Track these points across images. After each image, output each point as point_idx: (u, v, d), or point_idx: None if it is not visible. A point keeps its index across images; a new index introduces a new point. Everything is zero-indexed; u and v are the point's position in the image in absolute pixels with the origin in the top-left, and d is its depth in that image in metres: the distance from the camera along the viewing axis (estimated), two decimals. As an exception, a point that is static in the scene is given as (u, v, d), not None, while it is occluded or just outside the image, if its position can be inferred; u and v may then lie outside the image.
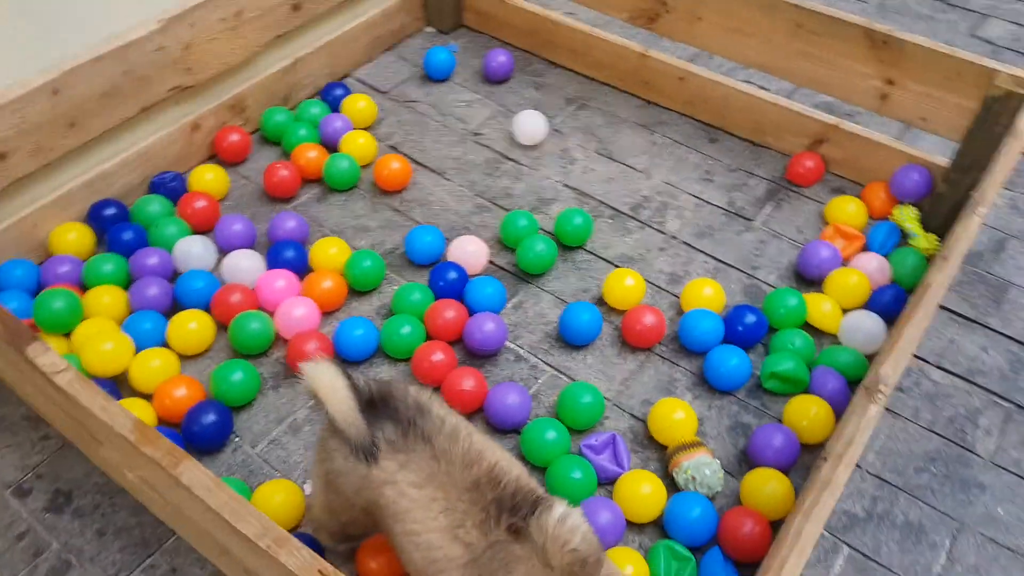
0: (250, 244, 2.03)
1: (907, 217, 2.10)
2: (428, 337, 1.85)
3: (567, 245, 2.09)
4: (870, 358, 1.82)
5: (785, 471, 1.62)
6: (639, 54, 2.45)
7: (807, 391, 1.76)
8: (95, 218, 2.01)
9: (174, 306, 1.88)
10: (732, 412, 1.77)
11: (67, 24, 1.85)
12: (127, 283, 1.91)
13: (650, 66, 2.45)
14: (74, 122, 1.92)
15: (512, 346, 1.89)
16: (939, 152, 2.17)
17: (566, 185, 2.27)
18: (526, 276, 2.04)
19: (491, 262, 2.06)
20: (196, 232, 2.05)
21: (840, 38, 2.05)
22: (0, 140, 1.79)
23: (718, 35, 2.24)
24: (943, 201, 2.05)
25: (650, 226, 2.16)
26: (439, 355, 1.76)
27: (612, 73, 2.54)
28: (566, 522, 1.15)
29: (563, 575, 1.11)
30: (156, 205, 2.05)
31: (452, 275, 1.93)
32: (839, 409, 1.70)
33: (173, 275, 1.96)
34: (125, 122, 2.04)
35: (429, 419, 1.24)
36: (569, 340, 1.88)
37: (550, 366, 1.85)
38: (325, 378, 1.24)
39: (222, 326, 1.86)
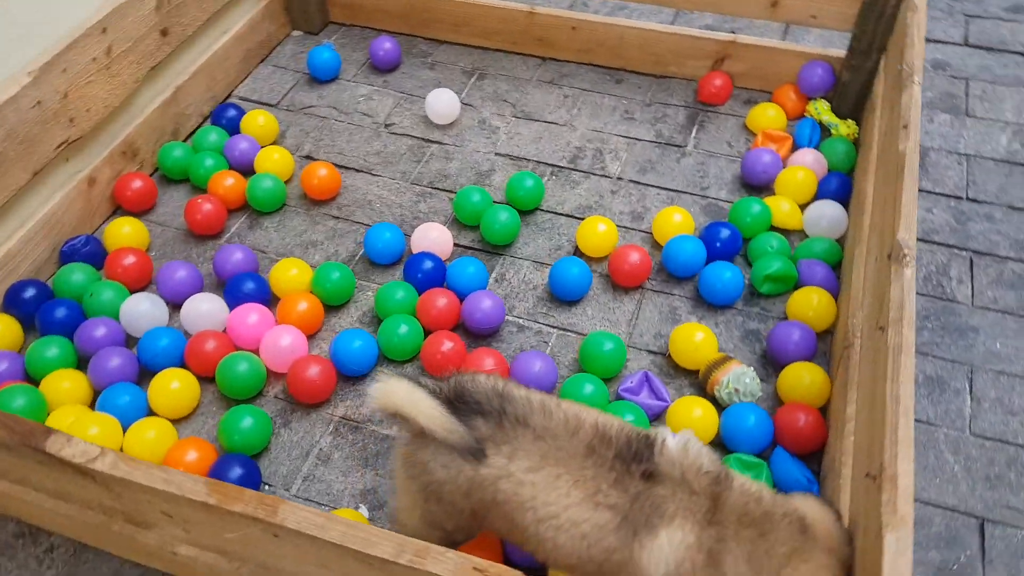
0: (199, 288, 1.85)
1: (821, 110, 2.24)
2: (427, 331, 1.77)
3: (524, 210, 2.06)
4: (839, 241, 1.93)
5: (809, 360, 1.69)
6: (526, 13, 2.45)
7: (798, 285, 1.85)
8: (15, 303, 1.75)
9: (142, 372, 1.68)
10: (738, 323, 1.82)
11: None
12: (77, 363, 1.69)
13: (540, 22, 2.45)
14: (-37, 202, 1.66)
15: (511, 318, 1.84)
16: (832, 45, 2.32)
17: (498, 154, 2.24)
18: (496, 249, 1.99)
19: (456, 244, 1.99)
20: (133, 291, 1.84)
21: (723, -44, 2.14)
22: None
23: (604, -23, 2.28)
24: (849, 88, 2.20)
25: (593, 173, 2.17)
26: (448, 344, 1.69)
27: (503, 38, 2.52)
28: (689, 450, 1.15)
29: (706, 496, 1.11)
30: (79, 274, 1.82)
31: (428, 264, 1.85)
32: (834, 293, 1.80)
33: (127, 341, 1.75)
34: (18, 192, 1.79)
35: (515, 403, 1.18)
36: (564, 297, 1.86)
37: (555, 327, 1.82)
38: (402, 393, 1.15)
39: (205, 379, 1.69)
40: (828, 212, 1.94)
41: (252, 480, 1.50)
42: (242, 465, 1.49)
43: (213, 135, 2.18)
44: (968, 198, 2.09)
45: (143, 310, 1.74)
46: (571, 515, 1.13)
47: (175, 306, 1.83)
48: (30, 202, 1.85)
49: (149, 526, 1.23)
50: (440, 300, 1.77)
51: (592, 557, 1.14)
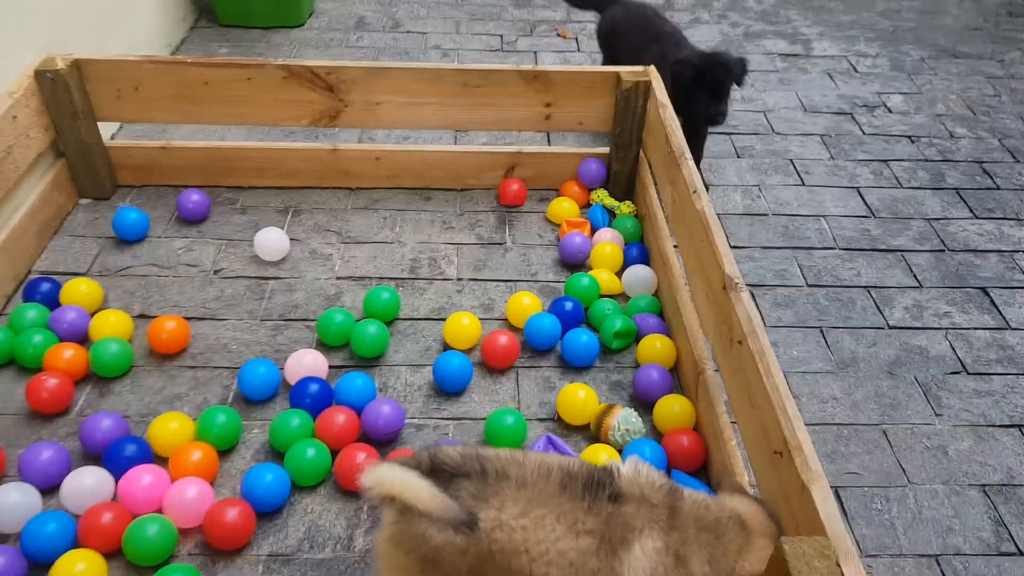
0: (68, 466, 1.69)
1: (603, 197, 2.65)
2: (332, 452, 1.78)
3: (385, 321, 2.16)
4: (655, 295, 2.29)
5: (672, 393, 1.98)
6: (330, 151, 2.62)
7: (638, 337, 2.15)
8: None
9: (32, 567, 1.50)
10: (603, 378, 2.07)
11: None
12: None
13: (343, 157, 2.63)
14: None
15: (408, 420, 1.92)
16: (597, 145, 2.77)
17: (339, 278, 2.34)
18: (370, 362, 2.07)
19: (331, 366, 2.04)
20: (-11, 487, 1.63)
21: (499, 83, 2.50)
22: None
23: (399, 111, 2.52)
24: (620, 176, 2.64)
25: (435, 279, 2.35)
26: (362, 455, 1.73)
27: (308, 175, 2.65)
28: (640, 470, 1.35)
29: (664, 506, 1.31)
30: (-87, 483, 1.58)
31: (315, 387, 1.88)
32: (666, 335, 2.13)
33: (3, 539, 1.54)
34: None
35: (491, 460, 1.30)
36: (450, 390, 1.98)
37: (450, 419, 1.93)
38: (396, 477, 1.22)
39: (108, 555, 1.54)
40: (641, 274, 2.30)
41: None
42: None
43: (32, 312, 2.03)
44: (731, 246, 2.59)
45: (14, 501, 1.57)
46: (559, 547, 1.26)
47: (45, 491, 1.65)
48: None
49: None
50: (339, 417, 1.81)
51: None
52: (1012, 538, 1.79)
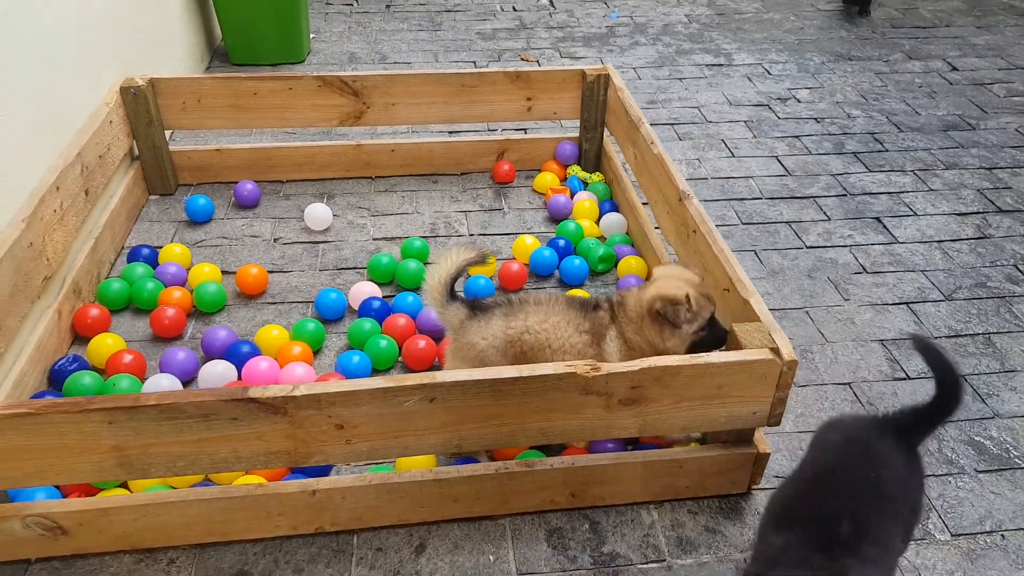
0: (197, 365, 2.21)
1: (576, 171, 3.29)
2: (398, 346, 2.33)
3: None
4: (627, 234, 2.91)
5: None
6: (355, 146, 3.21)
7: (616, 262, 2.76)
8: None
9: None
10: (592, 292, 2.66)
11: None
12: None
13: (366, 151, 3.23)
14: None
15: (448, 326, 2.49)
16: (569, 131, 3.42)
17: (375, 239, 2.91)
18: (411, 290, 2.63)
19: (384, 296, 2.60)
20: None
21: (490, 83, 3.14)
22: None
23: (410, 111, 3.13)
24: (589, 153, 3.29)
25: (452, 236, 2.94)
26: (422, 342, 2.28)
27: (338, 168, 3.24)
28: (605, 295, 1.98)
29: (610, 310, 1.96)
30: (87, 378, 2.08)
31: (377, 303, 2.44)
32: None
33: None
34: (22, 319, 2.06)
35: (512, 296, 1.97)
36: (476, 305, 2.56)
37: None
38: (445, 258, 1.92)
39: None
40: (614, 219, 2.93)
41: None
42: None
43: (140, 269, 2.56)
44: (681, 203, 3.24)
45: (165, 385, 2.08)
46: (571, 341, 1.90)
47: (184, 383, 2.17)
48: (24, 330, 2.11)
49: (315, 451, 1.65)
50: (400, 320, 2.37)
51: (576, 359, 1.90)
52: (903, 369, 2.42)
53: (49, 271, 2.21)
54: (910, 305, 2.69)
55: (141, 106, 2.87)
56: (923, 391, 2.34)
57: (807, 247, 2.97)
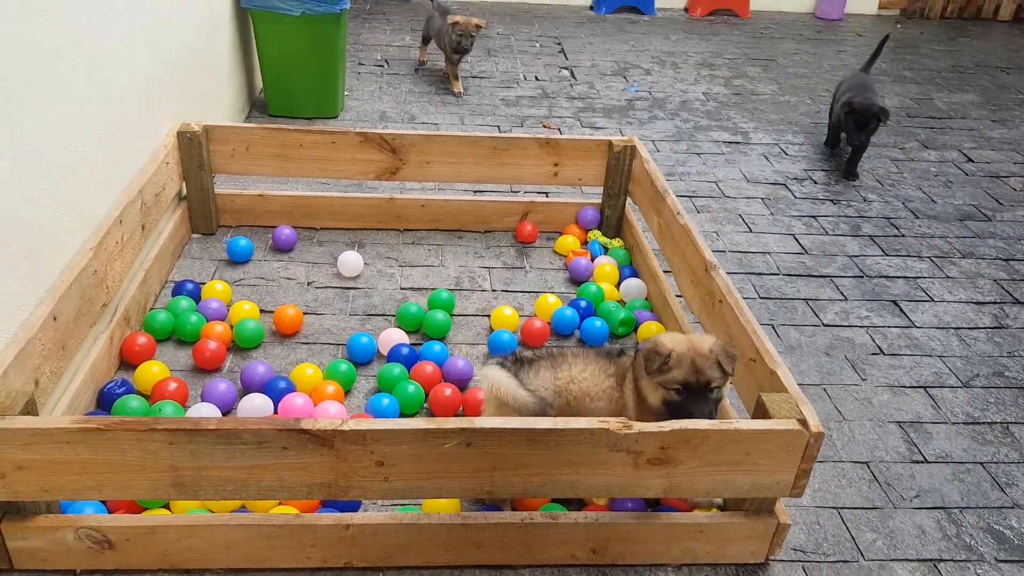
0: (236, 397, 2.30)
1: (597, 236, 3.42)
2: (424, 392, 2.42)
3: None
4: (647, 299, 3.02)
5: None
6: (387, 199, 3.36)
7: (636, 326, 2.87)
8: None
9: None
10: (613, 352, 2.76)
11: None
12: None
13: (398, 204, 3.37)
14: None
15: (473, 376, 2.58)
16: (592, 197, 3.56)
17: (403, 288, 3.02)
18: (437, 339, 2.73)
19: (411, 344, 2.70)
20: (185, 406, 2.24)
21: (520, 148, 3.29)
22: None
23: (443, 169, 3.29)
24: (611, 219, 3.43)
25: (476, 290, 3.06)
26: (448, 390, 2.37)
27: (370, 219, 3.37)
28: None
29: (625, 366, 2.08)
30: (135, 402, 2.17)
31: (406, 349, 2.53)
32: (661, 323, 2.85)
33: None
34: (81, 341, 2.16)
35: (553, 349, 2.08)
36: (502, 358, 2.65)
37: (505, 376, 2.60)
38: (498, 377, 1.97)
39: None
40: (635, 284, 3.05)
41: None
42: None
43: (184, 302, 2.66)
44: (699, 272, 3.36)
45: (206, 414, 2.17)
46: (602, 386, 2.03)
47: (223, 412, 2.26)
48: (79, 352, 2.20)
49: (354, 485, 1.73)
50: (427, 368, 2.46)
51: (611, 407, 2.01)
52: (920, 452, 2.50)
53: (107, 298, 2.32)
54: (927, 389, 2.78)
55: (195, 150, 3.02)
56: (941, 475, 2.41)
57: (824, 325, 3.08)
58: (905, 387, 2.78)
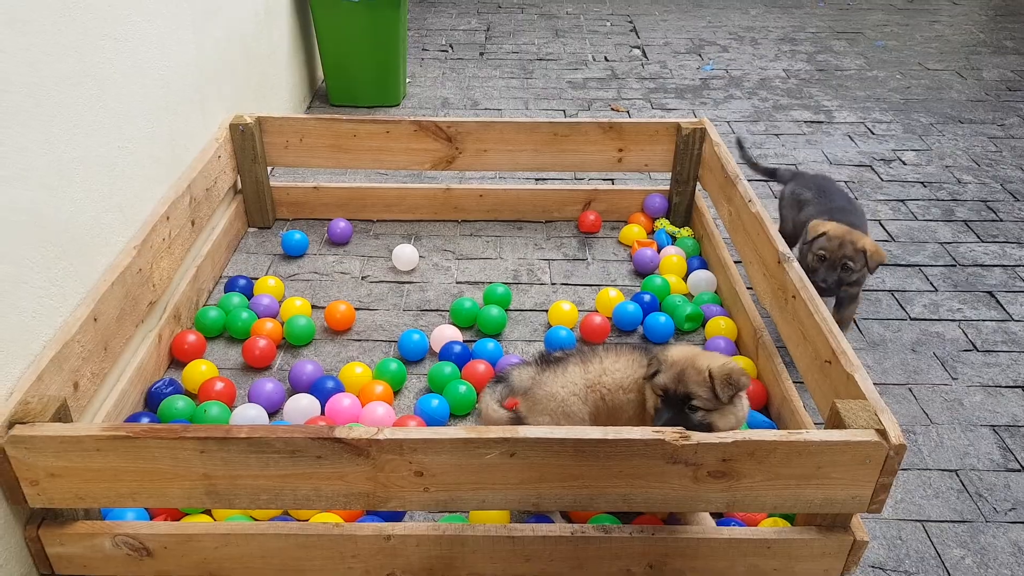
0: (283, 396, 2.25)
1: (665, 225, 3.24)
2: (476, 392, 2.31)
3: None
4: (716, 293, 2.84)
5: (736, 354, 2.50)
6: (443, 190, 3.26)
7: (703, 322, 2.69)
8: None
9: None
10: (678, 349, 2.59)
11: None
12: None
13: (455, 195, 3.26)
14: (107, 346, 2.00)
15: (529, 375, 2.45)
16: (659, 183, 3.38)
17: (458, 282, 2.92)
18: (491, 336, 2.62)
19: (464, 341, 2.59)
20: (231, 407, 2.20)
21: (582, 133, 3.14)
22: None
23: (501, 157, 3.16)
24: (679, 207, 3.24)
25: (534, 284, 2.93)
26: (502, 392, 2.26)
27: (427, 210, 3.28)
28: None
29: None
30: (181, 402, 2.14)
31: (458, 347, 2.43)
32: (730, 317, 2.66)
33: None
34: (127, 341, 2.13)
35: (582, 345, 2.13)
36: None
37: (562, 375, 2.47)
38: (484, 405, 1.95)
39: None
40: (704, 276, 2.86)
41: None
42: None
43: (236, 299, 2.63)
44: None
45: (253, 415, 2.11)
46: (635, 376, 1.91)
47: (269, 412, 2.20)
48: (127, 352, 2.18)
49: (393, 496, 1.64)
50: (480, 367, 2.35)
51: (642, 398, 1.90)
52: (1016, 460, 2.25)
53: (154, 296, 2.30)
54: (1024, 388, 2.52)
55: (248, 143, 2.98)
56: (1036, 482, 2.17)
57: (911, 319, 2.83)
58: (1001, 387, 2.52)
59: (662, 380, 1.82)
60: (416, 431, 1.58)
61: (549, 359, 1.97)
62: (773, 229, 2.39)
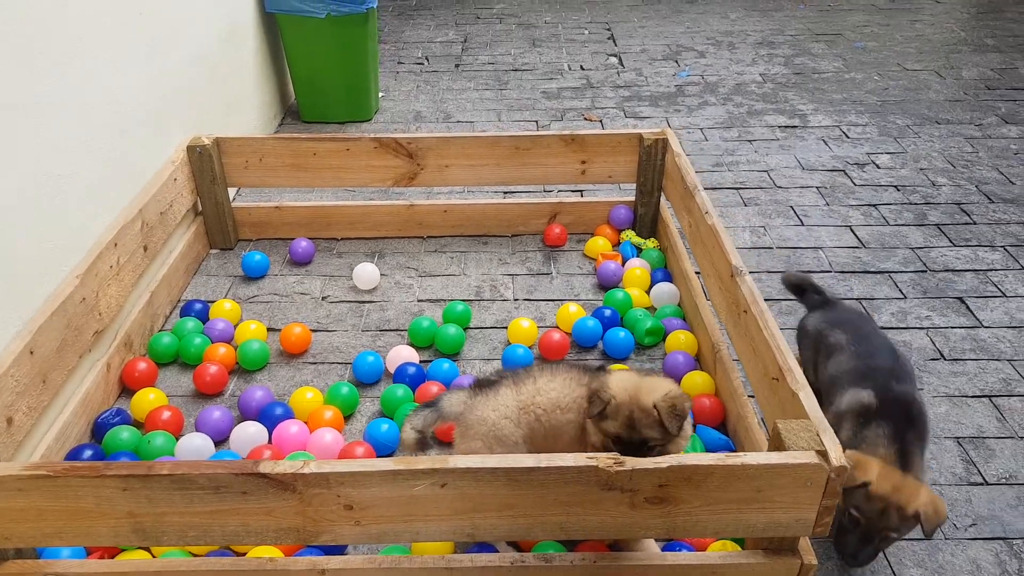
0: (232, 424, 2.22)
1: (631, 236, 3.20)
2: (429, 414, 2.28)
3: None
4: (679, 306, 2.80)
5: (694, 371, 2.46)
6: (407, 206, 3.23)
7: (664, 335, 2.65)
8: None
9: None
10: (637, 366, 2.56)
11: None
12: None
13: (419, 211, 3.24)
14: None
15: (485, 395, 2.42)
16: (628, 194, 3.35)
17: (420, 300, 2.89)
18: (450, 358, 2.58)
19: (421, 361, 2.56)
20: (177, 436, 2.16)
21: (544, 146, 3.11)
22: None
23: (463, 172, 3.13)
24: (644, 218, 3.20)
25: (496, 300, 2.90)
26: (454, 414, 2.22)
27: (391, 227, 3.26)
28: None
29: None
30: (126, 433, 2.11)
31: (412, 369, 2.40)
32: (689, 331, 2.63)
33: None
34: (70, 372, 2.11)
35: (517, 368, 2.04)
36: (516, 375, 2.49)
37: (518, 395, 2.43)
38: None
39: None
40: (666, 288, 2.83)
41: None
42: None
43: (190, 323, 2.60)
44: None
45: (197, 445, 2.08)
46: (573, 395, 1.86)
47: (216, 441, 2.17)
48: (72, 383, 2.15)
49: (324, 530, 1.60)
50: (433, 388, 2.32)
51: (581, 419, 1.84)
52: (980, 473, 2.21)
53: (101, 325, 2.27)
54: (992, 399, 2.47)
55: (206, 164, 2.96)
56: (1003, 500, 2.13)
57: (879, 328, 2.78)
58: (967, 397, 2.48)
59: (612, 428, 1.74)
60: (343, 464, 1.55)
61: (481, 383, 1.93)
62: (728, 242, 2.36)
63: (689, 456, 1.60)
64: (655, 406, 1.74)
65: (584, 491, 1.59)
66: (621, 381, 1.80)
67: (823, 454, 1.60)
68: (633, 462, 1.57)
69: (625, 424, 1.73)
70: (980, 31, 5.92)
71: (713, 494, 1.61)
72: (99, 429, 2.18)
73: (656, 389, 1.77)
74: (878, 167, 3.94)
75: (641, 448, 1.74)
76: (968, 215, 3.51)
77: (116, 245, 2.38)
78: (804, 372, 2.05)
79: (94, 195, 2.36)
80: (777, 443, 1.67)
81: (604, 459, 1.58)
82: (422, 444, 1.94)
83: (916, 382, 2.13)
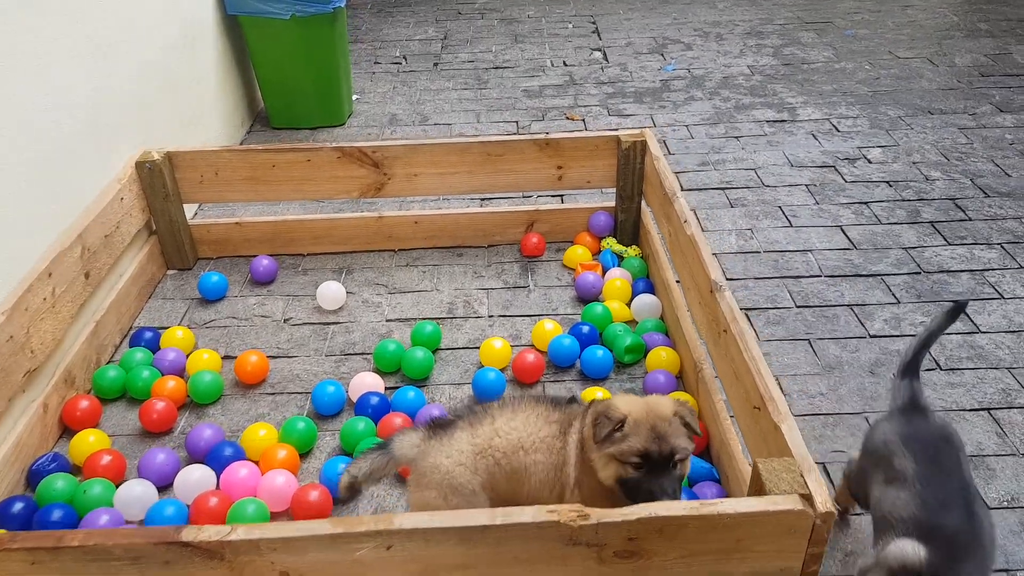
0: (178, 467, 2.06)
1: (611, 244, 3.04)
2: (392, 449, 2.13)
3: (430, 350, 2.53)
4: (661, 319, 2.64)
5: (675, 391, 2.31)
6: (376, 218, 3.07)
7: (645, 352, 2.49)
8: (5, 519, 1.85)
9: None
10: (617, 387, 2.41)
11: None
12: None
13: (388, 223, 3.08)
14: (-39, 424, 1.81)
15: (453, 425, 2.26)
16: (605, 200, 3.19)
17: (388, 320, 2.73)
18: (418, 383, 2.43)
19: (386, 387, 2.40)
20: (117, 483, 2.00)
21: (517, 151, 2.95)
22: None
23: (433, 181, 2.97)
24: (625, 224, 3.04)
25: (470, 317, 2.74)
26: (417, 449, 2.07)
27: (359, 241, 3.09)
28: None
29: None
30: (61, 482, 1.96)
31: (375, 399, 2.24)
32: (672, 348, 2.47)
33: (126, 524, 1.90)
34: (-3, 416, 1.95)
35: (475, 406, 1.85)
36: (487, 400, 2.32)
37: (489, 423, 2.28)
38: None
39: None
40: (647, 300, 2.67)
41: None
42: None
43: (139, 354, 2.44)
44: (726, 278, 2.95)
45: (138, 493, 1.93)
46: (540, 434, 1.71)
47: (160, 487, 2.02)
48: (3, 427, 2.00)
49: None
50: (396, 420, 2.16)
51: (551, 459, 1.69)
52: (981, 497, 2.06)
53: (34, 363, 2.12)
54: (991, 411, 2.32)
55: (157, 180, 2.79)
56: (1005, 525, 1.98)
57: (870, 336, 2.63)
58: (965, 410, 2.33)
59: (637, 444, 1.57)
60: (275, 528, 1.40)
61: (436, 424, 1.76)
62: (708, 253, 2.20)
63: (659, 505, 1.45)
64: (675, 413, 1.62)
65: (547, 547, 1.44)
66: (624, 400, 1.67)
67: (807, 498, 1.45)
68: (598, 515, 1.42)
69: (651, 437, 1.58)
70: (973, 15, 5.75)
71: (689, 546, 1.46)
72: (34, 477, 2.03)
73: (663, 402, 1.65)
74: (869, 162, 3.78)
75: (669, 465, 1.59)
76: (963, 210, 3.35)
77: (50, 275, 2.21)
78: (857, 484, 1.78)
79: (29, 221, 2.20)
80: (757, 486, 1.52)
81: (566, 512, 1.42)
82: (353, 491, 1.75)
83: (990, 560, 1.53)
